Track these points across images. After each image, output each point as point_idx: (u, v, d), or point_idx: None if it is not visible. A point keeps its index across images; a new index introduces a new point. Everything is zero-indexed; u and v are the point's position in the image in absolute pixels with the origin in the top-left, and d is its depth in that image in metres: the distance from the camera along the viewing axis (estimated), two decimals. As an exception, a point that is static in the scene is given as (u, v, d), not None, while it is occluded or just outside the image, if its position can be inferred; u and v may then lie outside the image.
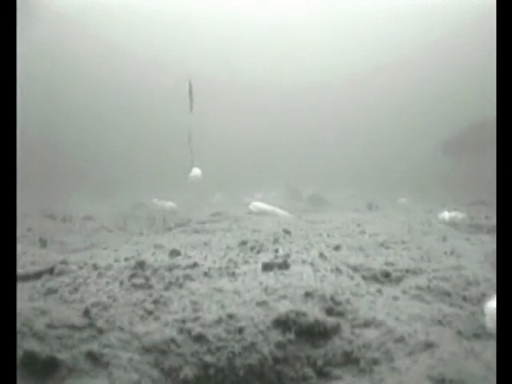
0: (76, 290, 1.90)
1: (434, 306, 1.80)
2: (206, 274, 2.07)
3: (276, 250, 2.62)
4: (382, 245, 2.91)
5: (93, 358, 1.44)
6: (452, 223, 4.18)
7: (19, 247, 2.99)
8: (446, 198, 7.65)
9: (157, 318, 1.65)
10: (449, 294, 1.91)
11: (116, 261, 2.32)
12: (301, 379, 1.46)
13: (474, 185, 8.39)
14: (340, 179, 12.75)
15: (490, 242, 3.01)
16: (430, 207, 6.23)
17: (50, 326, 1.54)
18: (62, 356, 1.41)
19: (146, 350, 1.49)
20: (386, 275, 2.17)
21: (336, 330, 1.58)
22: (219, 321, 1.58)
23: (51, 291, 1.90)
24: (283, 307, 1.64)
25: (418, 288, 1.97)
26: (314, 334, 1.56)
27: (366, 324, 1.62)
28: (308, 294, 1.74)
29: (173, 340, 1.51)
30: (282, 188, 11.00)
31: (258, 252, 2.61)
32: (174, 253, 2.45)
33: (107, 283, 1.97)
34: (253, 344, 1.49)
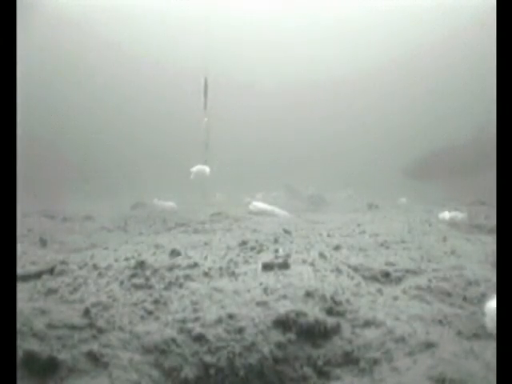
0: (76, 290, 1.90)
1: (434, 306, 1.80)
2: (206, 274, 2.07)
3: (276, 250, 2.62)
4: (382, 245, 2.91)
5: (93, 358, 1.44)
6: (452, 223, 4.18)
7: (19, 247, 2.99)
8: (446, 198, 7.66)
9: (157, 318, 1.65)
10: (449, 294, 1.91)
11: (116, 261, 2.32)
12: (301, 379, 1.46)
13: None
14: (340, 179, 12.75)
15: (490, 242, 3.01)
16: (430, 207, 6.23)
17: (50, 326, 1.55)
18: (62, 356, 1.41)
19: (146, 349, 1.49)
20: (386, 275, 2.17)
21: (336, 329, 1.58)
22: (219, 321, 1.58)
23: (51, 291, 1.90)
24: (283, 307, 1.64)
25: (418, 288, 1.97)
26: (314, 333, 1.56)
27: (366, 324, 1.62)
28: (308, 294, 1.74)
29: (173, 340, 1.51)
30: (282, 188, 10.99)
31: (259, 252, 2.61)
32: (174, 253, 2.45)
33: (107, 283, 1.97)
34: (253, 344, 1.49)
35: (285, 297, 1.73)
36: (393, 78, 20.45)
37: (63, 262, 2.30)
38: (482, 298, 1.82)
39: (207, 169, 6.42)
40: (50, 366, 1.39)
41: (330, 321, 1.60)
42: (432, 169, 10.70)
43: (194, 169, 6.38)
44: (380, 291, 1.94)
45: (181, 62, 19.78)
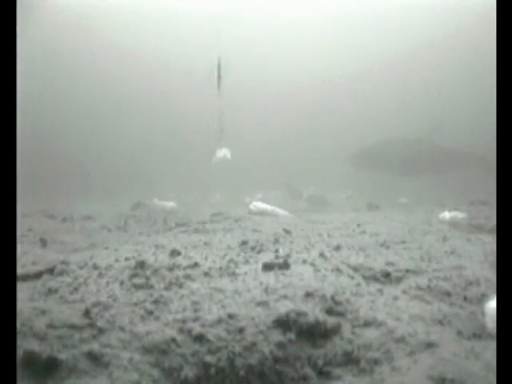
0: (76, 289, 1.90)
1: (434, 305, 1.80)
2: (206, 274, 2.07)
3: (276, 250, 2.62)
4: (382, 245, 2.91)
5: (93, 357, 1.44)
6: (452, 223, 4.17)
7: (19, 247, 2.99)
8: (446, 198, 7.66)
9: (157, 318, 1.65)
10: (449, 294, 1.90)
11: (116, 261, 2.32)
12: (301, 379, 1.46)
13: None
14: (340, 179, 12.74)
15: (490, 242, 3.01)
16: (430, 207, 6.22)
17: (50, 325, 1.55)
18: (63, 356, 1.41)
19: (147, 349, 1.49)
20: (387, 275, 2.17)
21: (336, 329, 1.58)
22: (220, 321, 1.58)
23: (52, 291, 1.90)
24: (284, 307, 1.64)
25: (419, 288, 1.97)
26: (315, 333, 1.56)
27: (367, 324, 1.62)
28: (308, 294, 1.74)
29: (173, 340, 1.51)
30: (283, 188, 11.00)
31: (259, 252, 2.61)
32: (175, 253, 2.45)
33: (108, 283, 1.97)
34: (253, 344, 1.49)
35: (285, 297, 1.73)
36: (393, 77, 20.45)
37: (63, 262, 2.30)
38: (482, 297, 1.82)
39: (229, 152, 6.19)
40: (50, 366, 1.39)
41: (331, 321, 1.60)
42: (374, 159, 10.58)
43: (218, 153, 6.13)
44: (380, 291, 1.94)
45: (183, 61, 19.79)
